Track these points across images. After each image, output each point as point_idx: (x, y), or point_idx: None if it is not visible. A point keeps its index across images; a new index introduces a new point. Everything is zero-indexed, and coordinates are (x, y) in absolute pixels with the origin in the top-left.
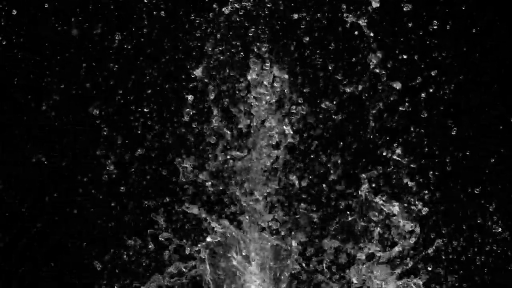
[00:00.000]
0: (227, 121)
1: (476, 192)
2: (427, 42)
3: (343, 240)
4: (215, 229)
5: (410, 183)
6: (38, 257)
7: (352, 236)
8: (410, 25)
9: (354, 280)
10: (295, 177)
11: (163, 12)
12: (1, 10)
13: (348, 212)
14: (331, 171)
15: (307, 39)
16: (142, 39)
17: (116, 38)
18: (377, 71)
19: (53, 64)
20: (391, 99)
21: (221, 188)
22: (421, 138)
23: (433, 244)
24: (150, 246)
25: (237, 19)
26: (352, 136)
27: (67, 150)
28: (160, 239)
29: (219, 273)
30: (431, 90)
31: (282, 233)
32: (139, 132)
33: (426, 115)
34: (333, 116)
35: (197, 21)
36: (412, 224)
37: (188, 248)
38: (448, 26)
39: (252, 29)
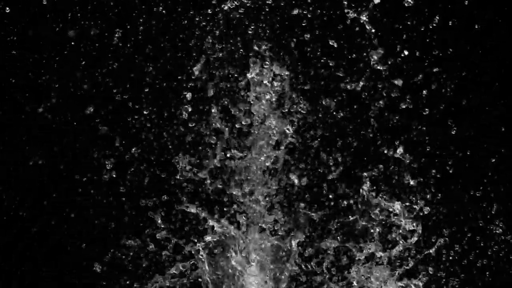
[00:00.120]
0: (227, 120)
1: (477, 194)
2: (427, 40)
3: (343, 240)
4: (214, 228)
5: (411, 182)
6: (38, 257)
7: (352, 236)
8: (411, 22)
9: (354, 282)
10: (295, 177)
11: (162, 9)
12: (1, 10)
13: (348, 212)
14: (332, 170)
15: (308, 36)
16: (140, 38)
17: (116, 36)
18: (379, 68)
19: (52, 64)
20: (392, 95)
21: (220, 187)
22: (423, 136)
23: (434, 244)
24: (150, 246)
25: (237, 16)
26: (352, 135)
27: (66, 150)
28: (158, 237)
29: (218, 273)
30: (432, 87)
31: (282, 233)
32: (139, 132)
33: (427, 112)
34: (333, 113)
35: (197, 18)
36: (413, 224)
37: (187, 248)
38: (450, 22)
39: (252, 27)
